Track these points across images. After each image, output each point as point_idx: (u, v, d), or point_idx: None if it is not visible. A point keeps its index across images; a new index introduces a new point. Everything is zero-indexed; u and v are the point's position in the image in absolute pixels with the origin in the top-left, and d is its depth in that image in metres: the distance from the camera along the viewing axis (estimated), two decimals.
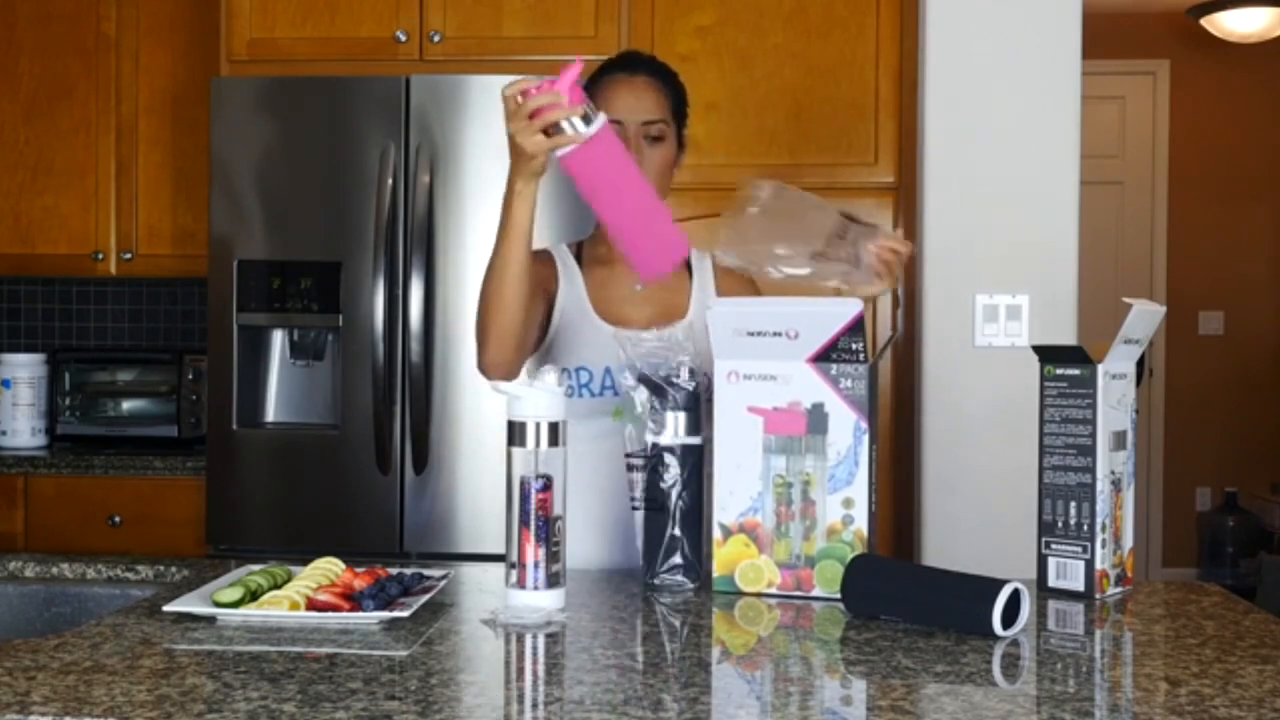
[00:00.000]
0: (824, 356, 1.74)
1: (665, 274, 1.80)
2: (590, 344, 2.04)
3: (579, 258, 2.16)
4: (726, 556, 1.77)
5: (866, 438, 1.74)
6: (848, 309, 1.74)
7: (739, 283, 2.14)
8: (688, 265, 2.16)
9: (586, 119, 1.69)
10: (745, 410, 1.76)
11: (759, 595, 1.75)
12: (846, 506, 1.74)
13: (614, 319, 2.08)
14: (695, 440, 1.79)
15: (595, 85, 2.08)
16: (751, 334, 1.76)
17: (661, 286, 2.11)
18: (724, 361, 1.77)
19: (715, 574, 1.77)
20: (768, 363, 1.76)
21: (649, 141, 2.06)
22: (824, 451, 1.75)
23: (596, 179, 1.71)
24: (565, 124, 1.69)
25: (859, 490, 1.74)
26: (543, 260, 2.12)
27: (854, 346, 1.74)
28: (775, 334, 1.75)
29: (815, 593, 1.74)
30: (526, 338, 1.99)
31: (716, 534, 1.77)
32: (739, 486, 1.76)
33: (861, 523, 1.74)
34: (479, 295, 1.96)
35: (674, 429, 1.78)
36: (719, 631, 1.62)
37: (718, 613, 1.68)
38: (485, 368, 1.96)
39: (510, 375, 1.95)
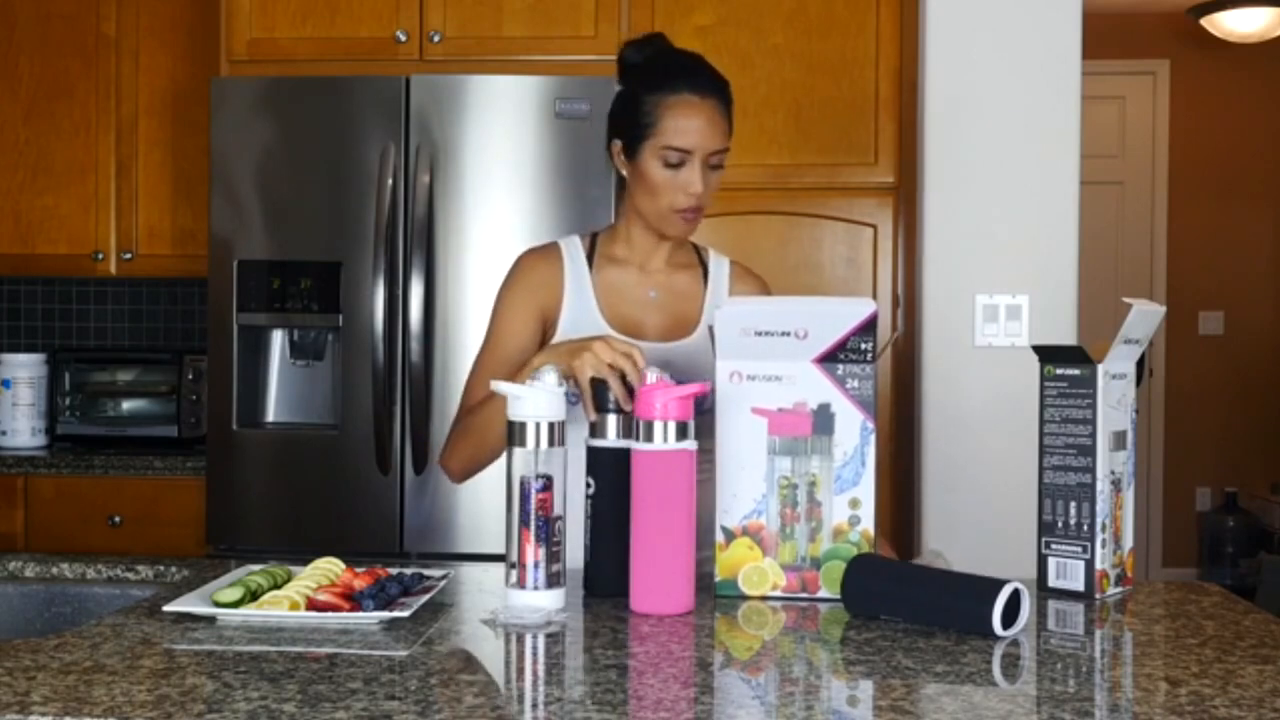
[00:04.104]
0: (831, 356, 1.74)
1: (654, 612, 1.64)
2: None
3: (590, 254, 2.09)
4: (730, 560, 1.75)
5: (874, 438, 1.74)
6: (861, 309, 1.73)
7: (753, 293, 2.12)
8: (704, 271, 2.13)
9: (628, 429, 1.69)
10: (749, 411, 1.75)
11: (763, 599, 1.74)
12: (853, 507, 1.74)
13: (624, 326, 2.04)
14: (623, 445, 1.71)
15: (662, 95, 1.97)
16: (760, 334, 1.74)
17: (676, 294, 2.08)
18: (726, 362, 1.75)
19: (718, 578, 1.75)
20: (772, 363, 1.74)
21: (711, 169, 2.00)
22: (830, 452, 1.74)
23: (652, 488, 1.64)
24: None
25: (865, 491, 1.74)
26: (547, 266, 2.07)
27: (863, 346, 1.74)
28: (784, 334, 1.73)
29: (822, 594, 1.73)
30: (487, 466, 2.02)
31: (719, 537, 1.75)
32: (743, 489, 1.75)
33: (868, 523, 1.74)
34: (462, 418, 2.02)
35: (614, 431, 1.72)
36: (720, 633, 1.62)
37: (720, 615, 1.67)
38: (445, 469, 2.06)
39: (460, 482, 2.08)
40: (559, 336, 2.03)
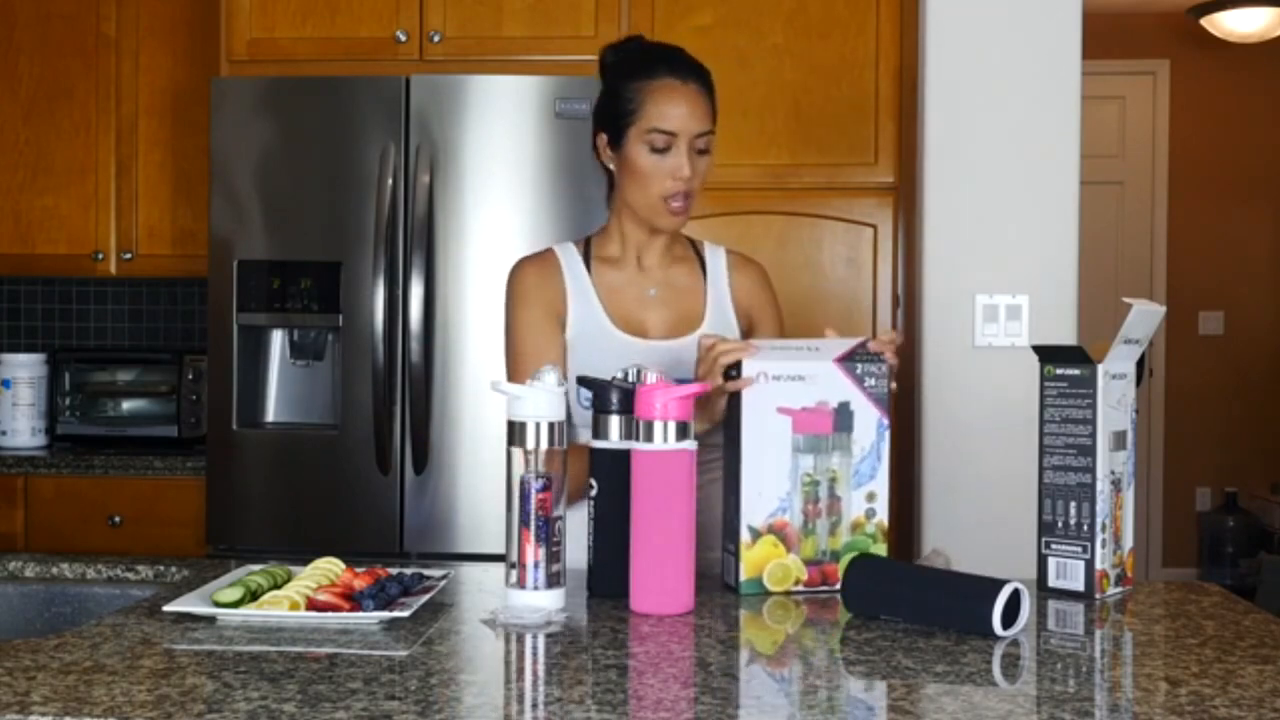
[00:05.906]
0: (850, 356, 1.79)
1: (654, 612, 1.63)
2: (609, 357, 1.95)
3: (586, 256, 2.08)
4: (755, 558, 1.77)
5: (888, 434, 1.80)
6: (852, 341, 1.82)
7: (753, 282, 2.13)
8: (701, 265, 2.12)
9: (630, 430, 1.70)
10: (774, 411, 1.77)
11: (786, 594, 1.76)
12: (869, 500, 1.80)
13: (630, 326, 2.03)
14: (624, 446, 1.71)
15: (642, 80, 1.98)
16: (776, 349, 1.80)
17: (676, 289, 2.08)
18: (752, 363, 1.77)
19: (744, 576, 1.76)
20: (796, 363, 1.78)
21: (698, 154, 1.99)
22: (850, 449, 1.79)
23: (652, 488, 1.63)
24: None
25: (880, 484, 1.80)
26: (546, 273, 2.05)
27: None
28: (798, 349, 1.80)
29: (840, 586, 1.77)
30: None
31: (745, 536, 1.76)
32: (767, 487, 1.77)
33: (883, 515, 1.80)
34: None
35: (618, 432, 1.72)
36: (721, 633, 1.61)
37: (723, 616, 1.67)
38: None
39: None
40: (568, 345, 2.02)
